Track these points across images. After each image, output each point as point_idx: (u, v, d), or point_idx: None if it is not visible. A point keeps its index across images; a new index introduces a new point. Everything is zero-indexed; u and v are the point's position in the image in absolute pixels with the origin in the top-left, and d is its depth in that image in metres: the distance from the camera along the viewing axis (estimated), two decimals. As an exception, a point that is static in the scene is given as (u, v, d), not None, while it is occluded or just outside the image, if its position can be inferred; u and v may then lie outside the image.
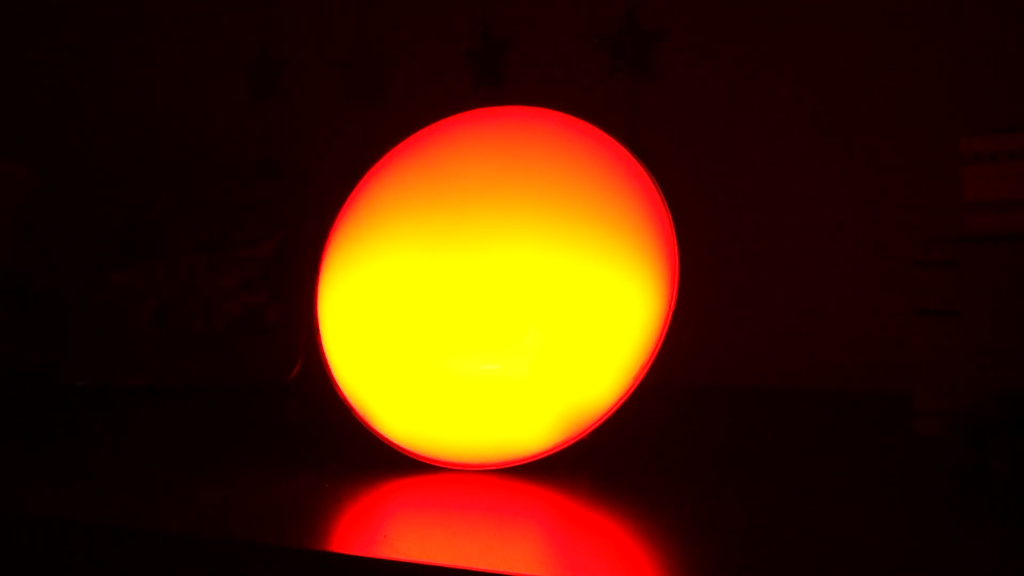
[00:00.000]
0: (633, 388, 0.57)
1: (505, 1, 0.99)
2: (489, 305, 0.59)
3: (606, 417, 0.58)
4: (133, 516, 0.53)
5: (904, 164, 0.86)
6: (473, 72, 0.99)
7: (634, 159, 0.61)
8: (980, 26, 0.83)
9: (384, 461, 0.60)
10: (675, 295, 0.58)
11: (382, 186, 0.65)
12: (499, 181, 0.61)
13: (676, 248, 0.59)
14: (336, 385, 0.62)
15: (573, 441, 0.58)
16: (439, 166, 0.64)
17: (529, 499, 0.55)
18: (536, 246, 0.59)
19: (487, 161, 0.63)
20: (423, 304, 0.60)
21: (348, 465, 0.61)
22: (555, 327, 0.58)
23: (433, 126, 0.66)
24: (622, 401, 0.57)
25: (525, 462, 0.58)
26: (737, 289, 0.92)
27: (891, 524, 0.49)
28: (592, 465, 0.60)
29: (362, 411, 0.61)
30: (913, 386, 0.66)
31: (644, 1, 0.93)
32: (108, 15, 1.19)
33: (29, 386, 0.97)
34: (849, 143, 0.88)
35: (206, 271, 0.95)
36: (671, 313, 0.58)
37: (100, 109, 1.20)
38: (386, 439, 0.61)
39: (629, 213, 0.59)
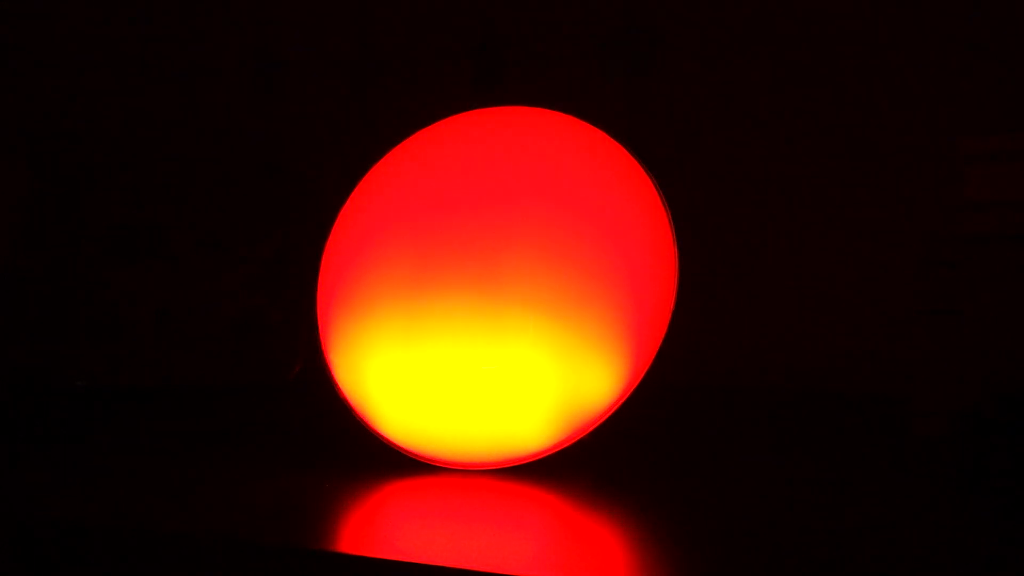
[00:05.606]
0: (633, 388, 0.58)
1: (505, 1, 0.99)
2: (490, 302, 0.59)
3: (606, 417, 0.58)
4: (133, 516, 0.53)
5: (904, 164, 0.86)
6: (473, 72, 0.99)
7: (634, 159, 0.61)
8: (981, 26, 0.83)
9: (384, 461, 0.60)
10: (675, 295, 0.58)
11: (382, 186, 0.65)
12: (499, 180, 0.61)
13: (676, 248, 0.59)
14: (336, 385, 0.62)
15: (573, 441, 0.58)
16: (439, 166, 0.64)
17: (529, 499, 0.55)
18: (535, 244, 0.59)
19: (487, 161, 0.62)
20: (423, 303, 0.60)
21: (348, 465, 0.61)
22: (555, 326, 0.58)
23: (433, 126, 0.66)
24: (622, 401, 0.58)
25: (525, 462, 0.58)
26: (737, 289, 0.92)
27: (891, 524, 0.49)
28: (592, 465, 0.60)
29: (362, 411, 0.61)
30: (913, 386, 0.66)
31: (644, 1, 0.93)
32: (108, 15, 1.19)
33: (29, 386, 0.97)
34: (849, 143, 0.88)
35: (206, 271, 0.95)
36: (671, 313, 0.58)
37: (100, 109, 1.20)
38: (386, 439, 0.61)
39: (629, 213, 0.59)
